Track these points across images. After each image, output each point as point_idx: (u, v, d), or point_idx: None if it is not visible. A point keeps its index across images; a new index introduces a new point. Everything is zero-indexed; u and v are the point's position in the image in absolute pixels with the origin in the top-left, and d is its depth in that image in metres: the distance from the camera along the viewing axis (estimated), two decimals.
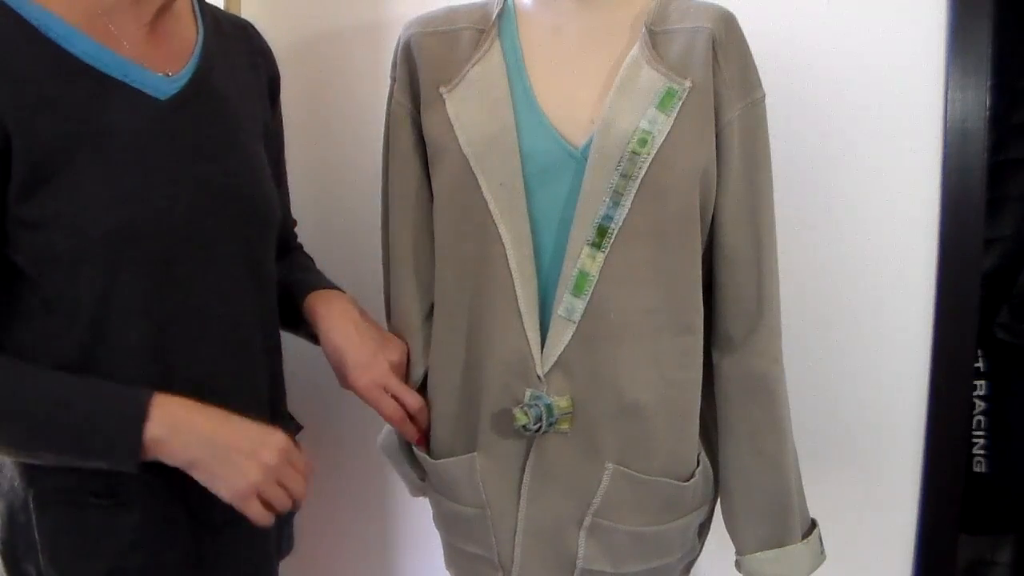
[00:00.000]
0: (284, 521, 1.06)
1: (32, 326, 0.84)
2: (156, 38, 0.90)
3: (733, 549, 1.02)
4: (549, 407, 0.91)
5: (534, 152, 0.92)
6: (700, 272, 0.96)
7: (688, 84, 0.90)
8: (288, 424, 1.10)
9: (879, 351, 1.25)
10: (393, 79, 1.02)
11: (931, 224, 1.21)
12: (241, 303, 0.94)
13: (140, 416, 0.81)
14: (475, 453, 0.97)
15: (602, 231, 0.90)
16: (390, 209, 1.05)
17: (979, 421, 1.54)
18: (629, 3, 0.96)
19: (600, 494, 0.94)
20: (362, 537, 1.51)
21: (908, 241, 1.22)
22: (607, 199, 0.89)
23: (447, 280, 0.99)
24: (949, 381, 1.23)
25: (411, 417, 1.02)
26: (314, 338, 1.04)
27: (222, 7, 1.37)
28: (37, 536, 0.87)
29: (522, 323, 0.92)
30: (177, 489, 0.89)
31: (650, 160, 0.88)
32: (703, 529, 1.05)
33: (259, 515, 0.85)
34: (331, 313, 1.02)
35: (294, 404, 1.12)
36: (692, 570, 1.08)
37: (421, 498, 1.09)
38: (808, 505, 1.03)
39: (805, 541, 1.00)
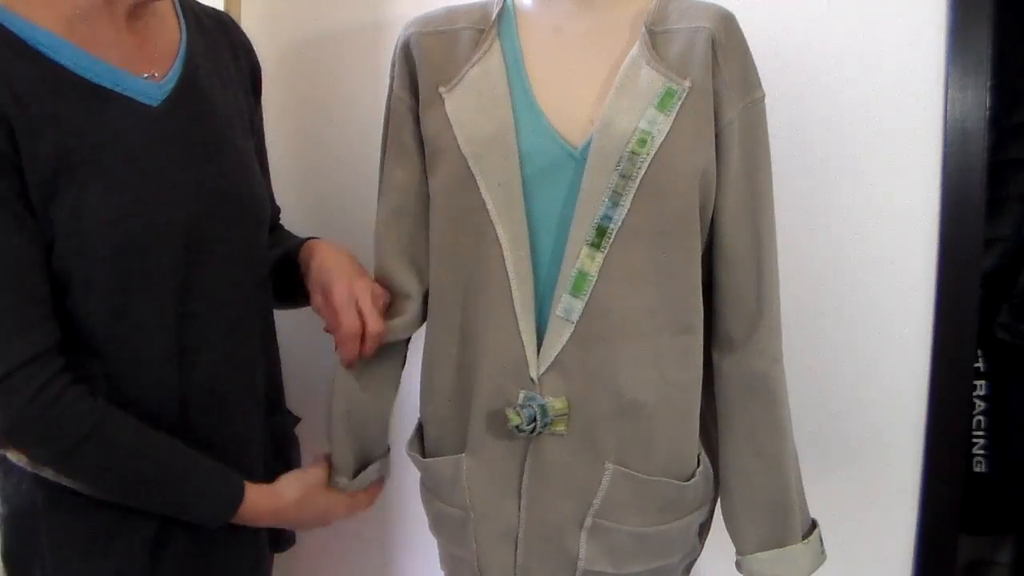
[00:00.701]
0: None
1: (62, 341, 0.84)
2: (138, 39, 0.89)
3: (733, 549, 1.02)
4: (543, 408, 0.91)
5: (533, 152, 0.92)
6: (700, 272, 0.96)
7: (688, 84, 0.90)
8: (286, 419, 1.11)
9: (879, 351, 1.25)
10: (392, 78, 1.02)
11: (931, 224, 1.21)
12: (240, 302, 0.95)
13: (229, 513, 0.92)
14: (463, 454, 0.97)
15: (601, 231, 0.89)
16: (386, 201, 1.03)
17: (979, 421, 1.54)
18: (629, 3, 0.96)
19: (600, 494, 0.93)
20: (360, 535, 1.51)
21: (908, 241, 1.22)
22: (606, 199, 0.89)
23: (442, 280, 0.98)
24: (949, 381, 1.23)
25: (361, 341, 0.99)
26: (306, 295, 1.03)
27: (222, 8, 1.36)
28: (45, 539, 0.87)
29: (517, 324, 0.92)
30: None
31: (649, 160, 0.88)
32: (703, 529, 1.05)
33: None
34: (327, 247, 1.03)
35: (292, 401, 1.12)
36: (692, 570, 1.08)
37: (420, 498, 1.09)
38: (808, 505, 1.03)
39: (805, 541, 1.00)
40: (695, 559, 1.07)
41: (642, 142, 0.88)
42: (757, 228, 0.95)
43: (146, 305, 0.85)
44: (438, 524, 1.05)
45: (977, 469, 1.54)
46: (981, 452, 1.54)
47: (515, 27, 0.98)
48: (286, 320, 1.10)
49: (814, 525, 1.03)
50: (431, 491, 1.04)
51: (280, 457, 1.06)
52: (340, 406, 1.02)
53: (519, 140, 0.92)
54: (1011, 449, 1.53)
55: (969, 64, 1.17)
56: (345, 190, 1.45)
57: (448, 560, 1.07)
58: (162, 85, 0.88)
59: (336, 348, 0.99)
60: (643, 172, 0.88)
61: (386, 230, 1.03)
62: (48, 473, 0.85)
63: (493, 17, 0.98)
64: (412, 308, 1.02)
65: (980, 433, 1.54)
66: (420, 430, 1.06)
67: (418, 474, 1.06)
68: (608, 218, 0.89)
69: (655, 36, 0.93)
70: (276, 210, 1.15)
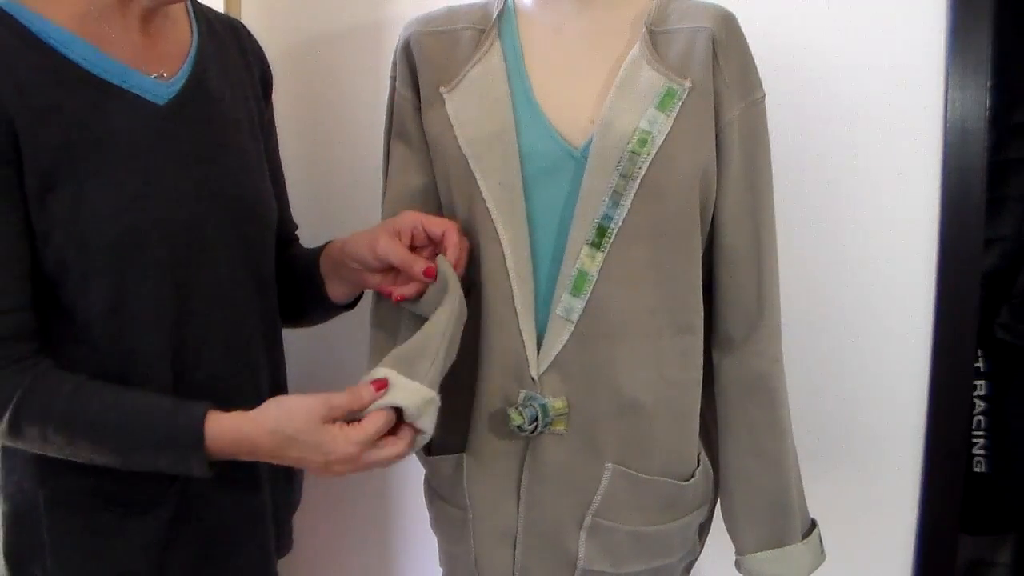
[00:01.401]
0: (283, 520, 1.07)
1: (55, 334, 0.84)
2: (150, 40, 0.89)
3: (733, 549, 1.02)
4: (544, 407, 0.91)
5: (534, 152, 0.92)
6: (700, 272, 0.96)
7: (688, 84, 0.90)
8: None
9: (879, 351, 1.25)
10: (393, 78, 1.02)
11: (931, 224, 1.21)
12: (243, 303, 0.95)
13: (197, 445, 0.81)
14: (463, 453, 0.97)
15: (602, 231, 0.90)
16: (390, 198, 1.02)
17: (979, 421, 1.54)
18: (629, 3, 0.96)
19: (600, 494, 0.93)
20: (361, 535, 1.51)
21: (908, 241, 1.22)
22: (607, 199, 0.89)
23: None
24: (949, 381, 1.23)
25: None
26: (329, 302, 1.02)
27: (222, 8, 1.37)
28: (46, 537, 0.87)
29: (518, 324, 0.92)
30: (184, 493, 0.89)
31: (650, 160, 0.88)
32: (703, 529, 1.05)
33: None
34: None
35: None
36: (692, 570, 1.08)
37: (420, 497, 1.09)
38: (808, 505, 1.03)
39: (805, 541, 1.00)
40: (695, 559, 1.07)
41: (643, 142, 0.89)
42: (757, 228, 0.95)
43: (143, 301, 0.85)
44: (438, 522, 1.05)
45: (977, 469, 1.54)
46: (981, 452, 1.54)
47: (516, 27, 0.98)
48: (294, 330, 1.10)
49: (814, 525, 1.03)
50: (434, 489, 1.04)
51: None
52: (455, 306, 0.89)
53: (520, 140, 0.92)
54: (1011, 449, 1.53)
55: (969, 64, 1.17)
56: (346, 190, 1.45)
57: (446, 559, 1.07)
58: (170, 85, 0.89)
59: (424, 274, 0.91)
60: (643, 172, 0.89)
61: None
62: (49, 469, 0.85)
63: (494, 17, 0.99)
64: None
65: (980, 433, 1.54)
66: None
67: (418, 475, 1.07)
68: (608, 218, 0.89)
69: (655, 36, 0.93)
70: (293, 226, 1.14)
